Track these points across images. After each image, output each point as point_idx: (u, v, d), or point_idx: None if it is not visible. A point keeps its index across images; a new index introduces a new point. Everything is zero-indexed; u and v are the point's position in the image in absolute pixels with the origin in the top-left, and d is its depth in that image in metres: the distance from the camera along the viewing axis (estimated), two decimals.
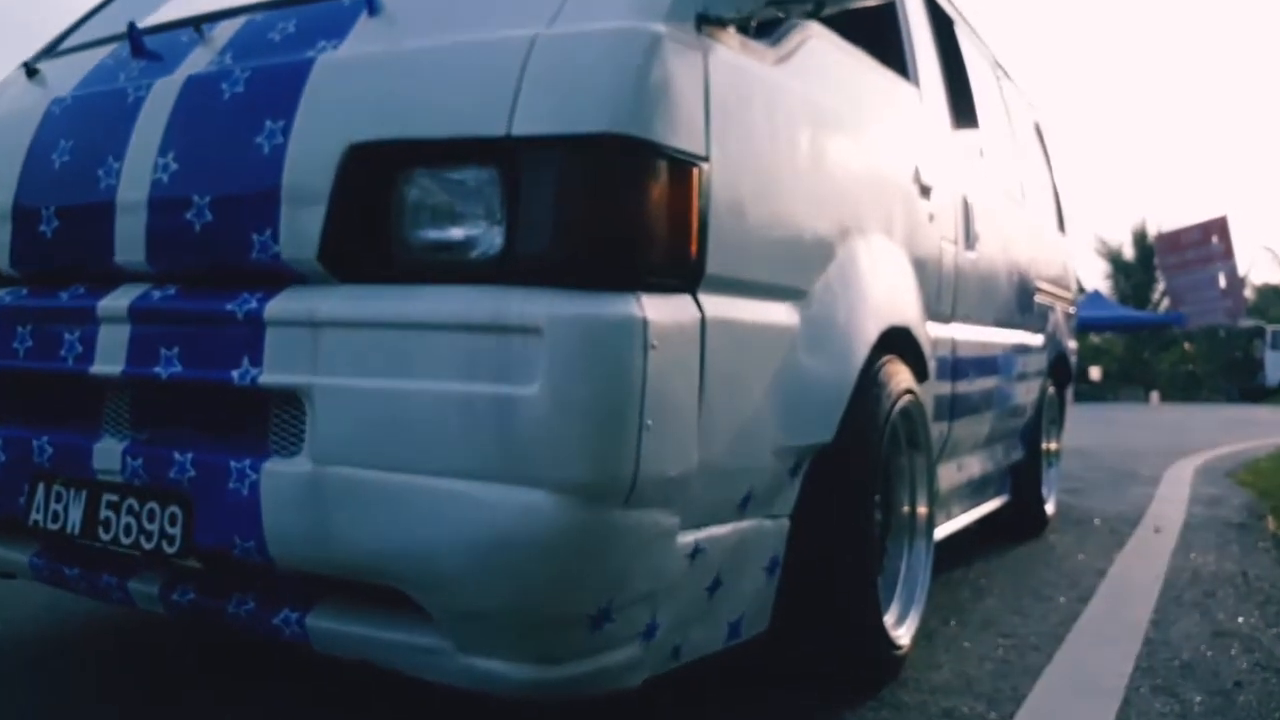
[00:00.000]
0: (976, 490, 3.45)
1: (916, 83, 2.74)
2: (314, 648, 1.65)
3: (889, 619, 2.22)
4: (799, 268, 1.89)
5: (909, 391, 2.25)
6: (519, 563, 1.44)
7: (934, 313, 2.68)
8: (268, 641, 1.72)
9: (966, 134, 3.09)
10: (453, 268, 1.53)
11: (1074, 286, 5.04)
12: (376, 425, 1.50)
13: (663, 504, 1.53)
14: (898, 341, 2.27)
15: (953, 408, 2.89)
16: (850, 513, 2.01)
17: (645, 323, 1.44)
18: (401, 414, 1.48)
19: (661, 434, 1.48)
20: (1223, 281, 27.21)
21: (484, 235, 1.51)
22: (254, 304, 1.63)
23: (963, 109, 3.10)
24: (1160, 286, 31.47)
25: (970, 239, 2.98)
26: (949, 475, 3.05)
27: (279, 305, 1.61)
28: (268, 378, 1.59)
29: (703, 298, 1.59)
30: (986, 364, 3.27)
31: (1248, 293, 30.98)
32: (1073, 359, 4.96)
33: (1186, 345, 30.07)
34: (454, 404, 1.44)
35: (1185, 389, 27.58)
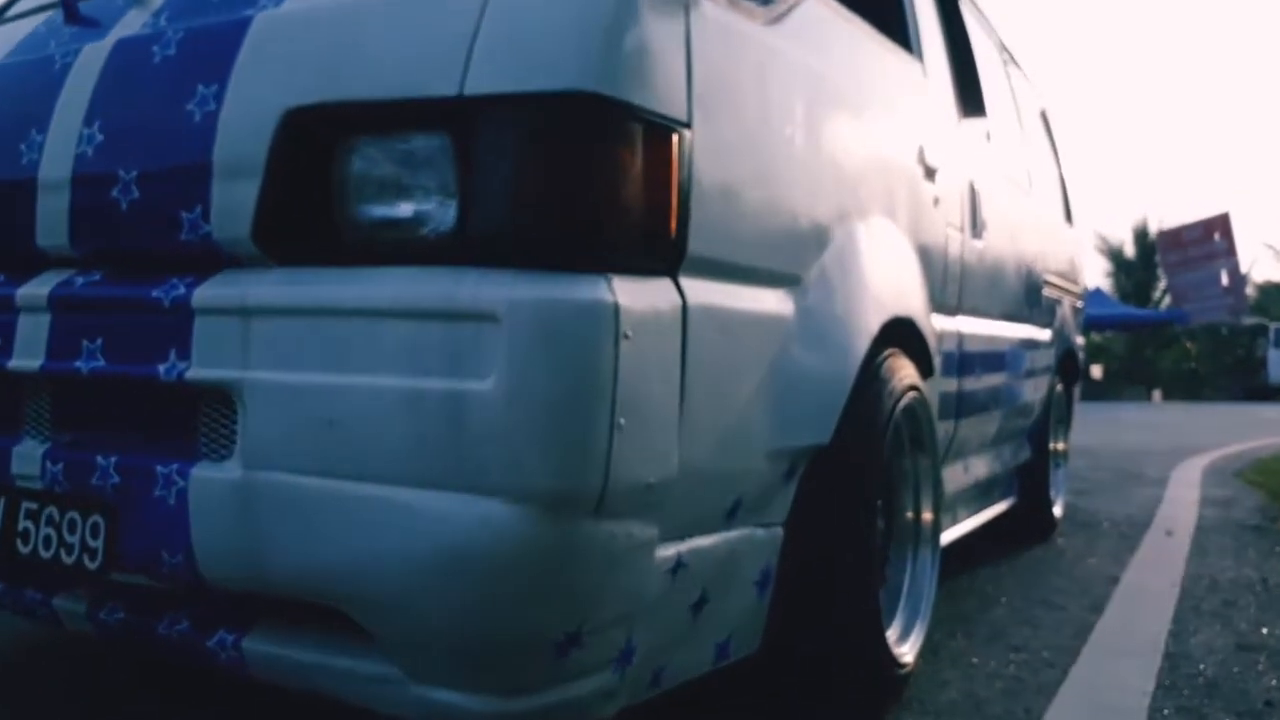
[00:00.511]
0: (983, 493, 3.28)
1: (920, 58, 2.56)
2: (251, 674, 1.48)
3: (891, 634, 2.05)
4: (793, 251, 1.71)
5: (913, 388, 2.08)
6: (473, 582, 1.26)
7: (939, 304, 2.50)
8: (202, 666, 1.55)
9: (973, 116, 2.92)
10: (402, 247, 1.35)
11: (1082, 280, 4.86)
12: (313, 426, 1.32)
13: (638, 514, 1.36)
14: (900, 334, 2.10)
15: (959, 406, 2.71)
16: (850, 520, 1.83)
17: (617, 308, 1.27)
18: (341, 413, 1.30)
19: (636, 435, 1.31)
20: (1225, 279, 27.02)
21: (435, 210, 1.33)
22: (182, 290, 1.45)
23: (969, 90, 2.92)
24: (1162, 284, 31.28)
25: (977, 226, 2.81)
26: (955, 477, 2.88)
27: (208, 291, 1.43)
28: (195, 372, 1.42)
29: (684, 282, 1.42)
30: (994, 359, 3.09)
31: (1250, 290, 30.79)
32: (1081, 355, 4.79)
33: (1188, 344, 29.92)
34: (399, 402, 1.27)
35: (1187, 388, 27.41)
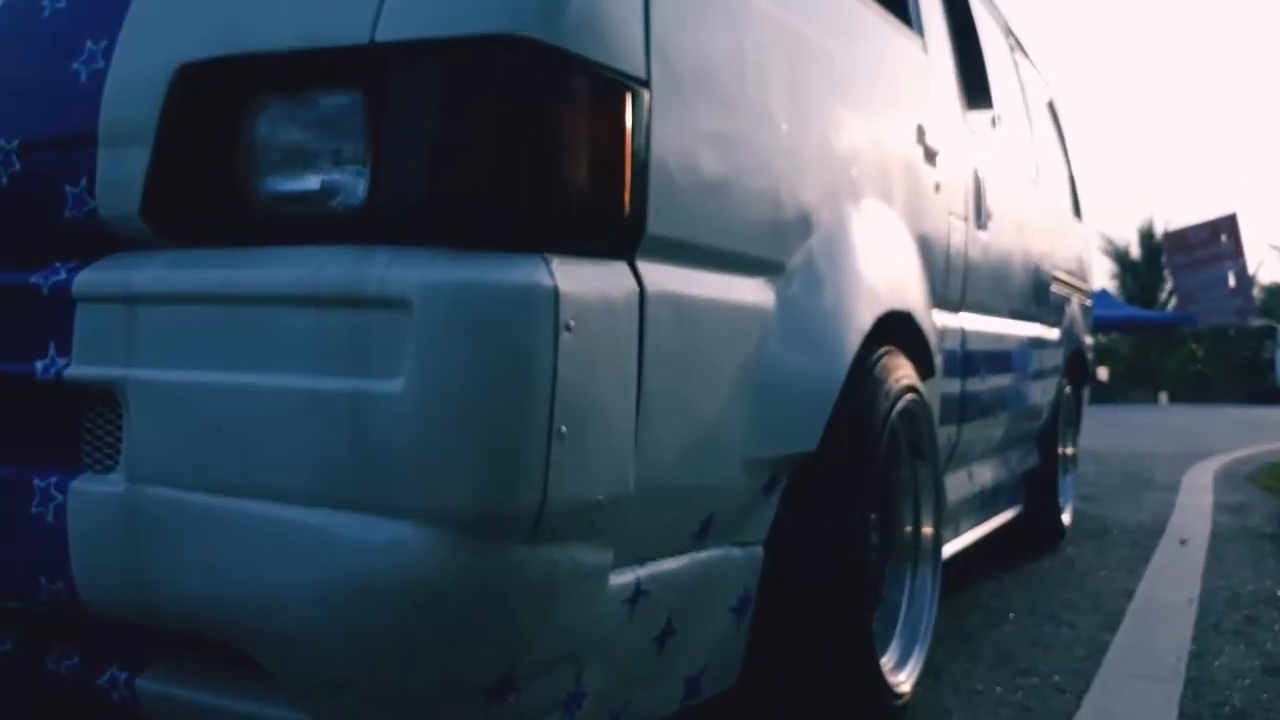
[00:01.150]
0: (988, 502, 3.08)
1: (920, 32, 2.36)
2: (146, 716, 1.29)
3: (887, 662, 1.85)
4: (774, 234, 1.52)
5: (911, 390, 1.88)
6: (384, 618, 1.07)
7: (941, 299, 2.31)
8: (94, 706, 1.35)
9: (978, 105, 2.72)
10: (309, 224, 1.16)
11: (1091, 277, 4.66)
12: (204, 433, 1.13)
13: (585, 536, 1.16)
14: (898, 330, 1.90)
15: (963, 409, 2.51)
16: (839, 537, 1.63)
17: (556, 294, 1.07)
18: (232, 418, 1.11)
19: (581, 444, 1.11)
20: (1232, 280, 26.75)
21: (346, 180, 1.14)
22: (63, 275, 1.26)
23: (972, 71, 2.72)
24: (1168, 286, 31.04)
25: (982, 217, 2.61)
26: (958, 485, 2.68)
27: (91, 276, 1.24)
28: (76, 370, 1.22)
29: (642, 265, 1.22)
30: (1000, 359, 2.89)
31: (1257, 292, 30.53)
32: (1090, 355, 4.59)
33: (1194, 346, 29.67)
34: (296, 405, 1.07)
35: (1194, 390, 27.17)
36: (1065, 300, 3.85)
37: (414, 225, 1.08)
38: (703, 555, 1.42)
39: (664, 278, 1.25)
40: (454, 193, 1.08)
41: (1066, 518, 4.03)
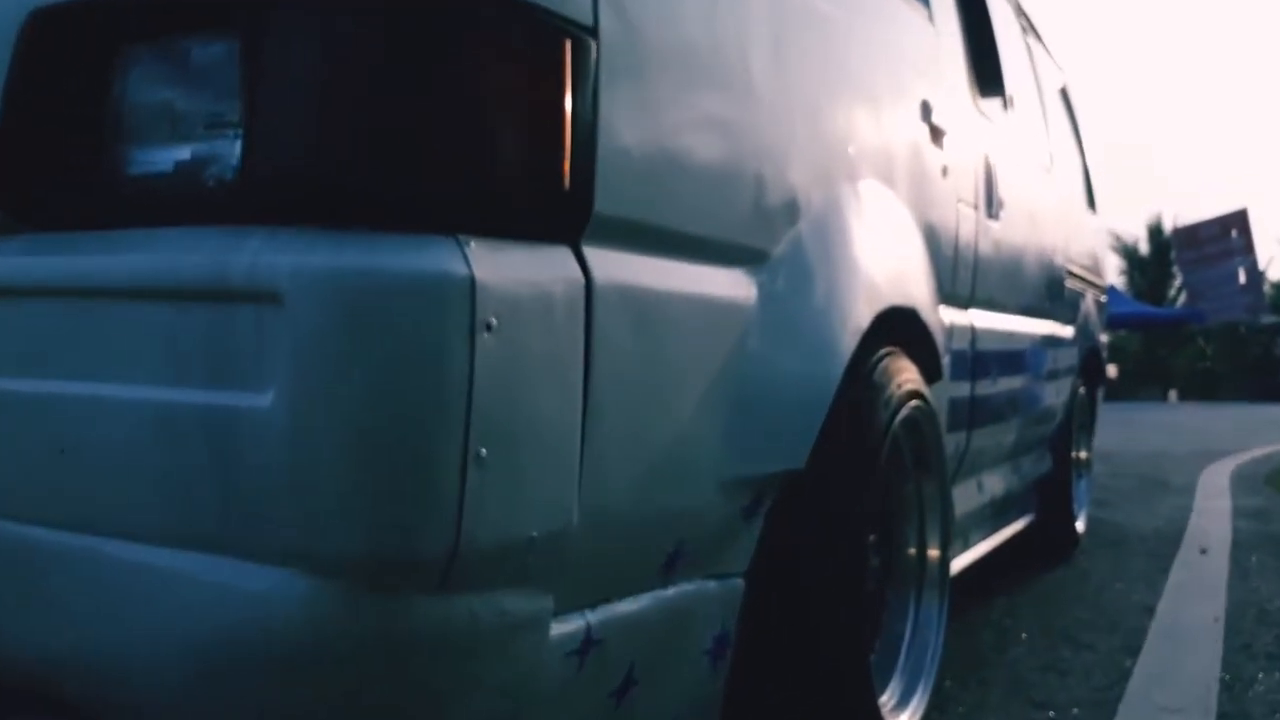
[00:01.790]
0: (999, 512, 2.87)
1: (926, 3, 2.15)
2: None
3: (887, 700, 1.65)
4: (754, 217, 1.31)
5: (916, 395, 1.67)
6: (254, 686, 0.86)
7: (949, 294, 2.10)
8: None
9: (988, 78, 2.50)
10: (181, 201, 0.95)
11: (1105, 272, 4.45)
12: (46, 455, 0.92)
13: (516, 580, 0.96)
14: (900, 329, 1.69)
15: (972, 414, 2.30)
16: (832, 565, 1.43)
17: (473, 284, 0.86)
18: (79, 438, 0.90)
19: (510, 470, 0.91)
20: (1242, 277, 26.41)
21: (220, 147, 0.93)
22: None
23: (983, 47, 2.51)
24: (1177, 283, 30.75)
25: (994, 205, 2.40)
26: (967, 497, 2.47)
27: None
28: None
29: (590, 252, 1.01)
30: (1013, 360, 2.68)
31: (1267, 288, 30.20)
32: (1104, 354, 4.37)
33: (1203, 343, 29.39)
34: (149, 423, 0.87)
35: (1204, 388, 26.90)
36: (1080, 296, 3.64)
37: (296, 201, 0.88)
38: (670, 592, 1.21)
39: (616, 266, 1.04)
40: (344, 160, 0.87)
41: (1080, 525, 3.82)
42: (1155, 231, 32.02)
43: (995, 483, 2.75)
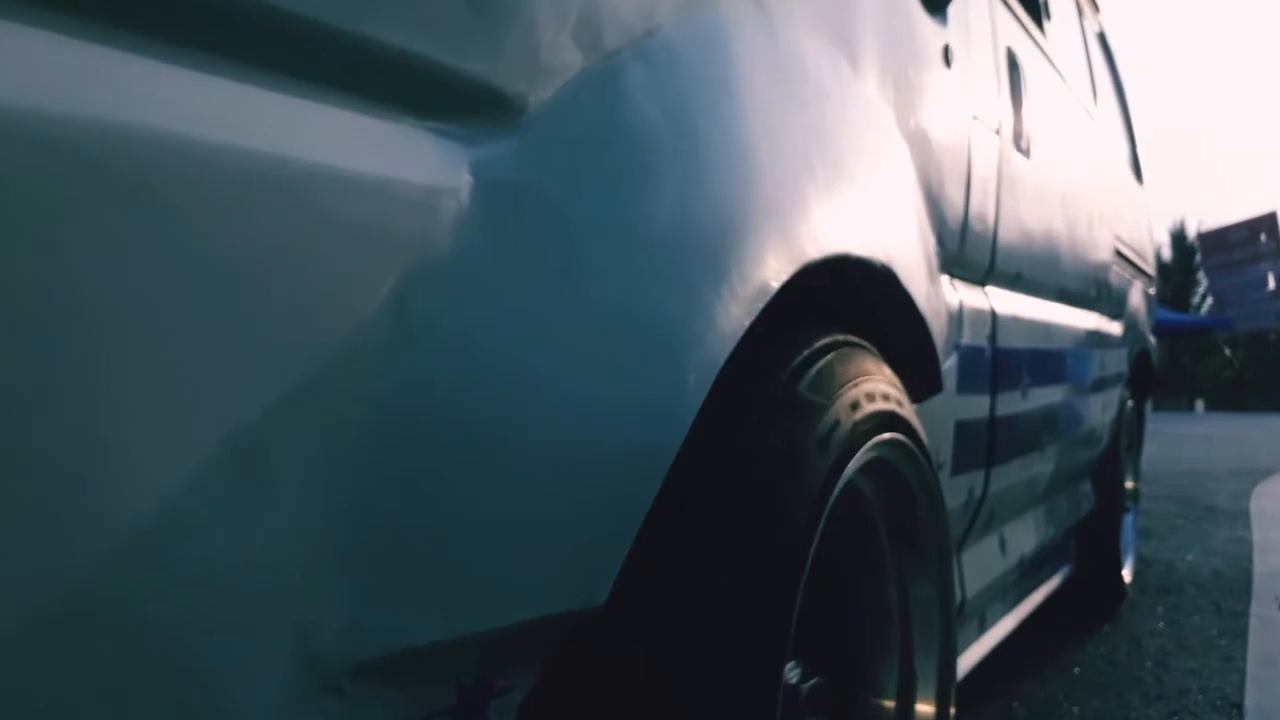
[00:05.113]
0: (1027, 575, 2.09)
1: None
2: None
3: None
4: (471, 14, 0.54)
5: (889, 424, 0.91)
6: None
7: (955, 260, 1.34)
8: None
9: None
10: None
11: (1153, 258, 3.66)
12: None
13: None
14: (864, 306, 0.93)
15: (993, 445, 1.53)
16: None
17: None
18: None
19: None
20: (1272, 282, 25.50)
21: None
22: None
23: None
24: (1201, 290, 29.89)
25: (1021, 132, 1.63)
26: (985, 562, 1.69)
27: None
28: None
29: None
30: (1049, 364, 1.89)
31: None
32: (1155, 359, 3.58)
33: (1227, 351, 28.50)
34: None
35: (1232, 397, 26.00)
36: (1129, 284, 2.86)
37: None
38: None
39: None
40: None
41: (1128, 574, 3.03)
42: (1178, 237, 31.18)
43: (1023, 537, 1.97)
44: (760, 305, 0.71)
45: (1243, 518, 5.05)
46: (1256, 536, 4.46)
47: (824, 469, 0.78)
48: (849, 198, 0.90)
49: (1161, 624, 2.83)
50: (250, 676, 0.43)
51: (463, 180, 0.52)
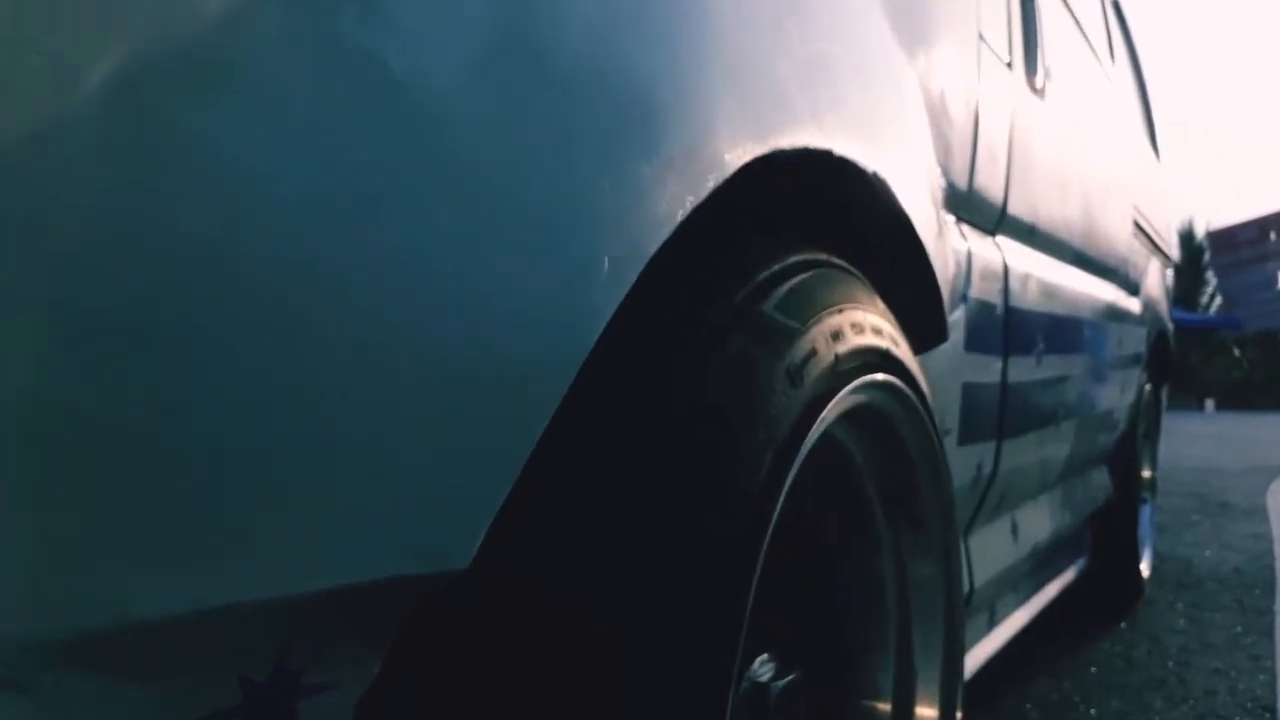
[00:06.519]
0: (1041, 565, 1.91)
1: None
2: None
3: None
4: None
5: (880, 362, 0.74)
6: None
7: (963, 201, 1.16)
8: None
9: None
10: None
11: (1174, 240, 3.49)
12: None
13: None
14: (854, 228, 0.76)
15: (1005, 411, 1.35)
16: None
17: None
18: None
19: None
20: None
21: None
22: None
23: None
24: (1209, 289, 29.67)
25: (1037, 71, 1.46)
26: (993, 549, 1.52)
27: None
28: None
29: None
30: (1065, 329, 1.72)
31: None
32: (1173, 342, 3.40)
33: (1236, 350, 28.26)
34: None
35: (1242, 396, 25.77)
36: (1148, 260, 2.68)
37: None
38: None
39: None
40: None
41: (1145, 568, 2.85)
42: (1186, 236, 30.91)
43: (1037, 523, 1.79)
44: (711, 185, 0.54)
45: (1260, 514, 4.88)
46: (1277, 532, 4.29)
47: (795, 406, 0.60)
48: (833, 85, 0.73)
49: (1182, 621, 2.65)
50: None
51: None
